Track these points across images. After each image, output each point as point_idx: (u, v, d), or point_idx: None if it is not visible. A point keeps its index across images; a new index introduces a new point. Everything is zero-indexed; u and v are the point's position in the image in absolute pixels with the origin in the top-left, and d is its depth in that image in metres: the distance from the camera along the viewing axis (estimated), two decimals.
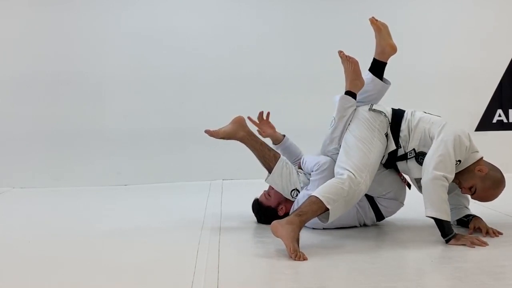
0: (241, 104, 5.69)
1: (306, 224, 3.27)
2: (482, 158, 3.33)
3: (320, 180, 3.41)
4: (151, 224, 3.80)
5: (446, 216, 3.16)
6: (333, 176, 3.31)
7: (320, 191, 3.16)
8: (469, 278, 2.62)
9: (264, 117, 3.89)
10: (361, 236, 3.40)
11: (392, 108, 3.52)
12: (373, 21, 3.50)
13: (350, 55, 3.50)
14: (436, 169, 3.17)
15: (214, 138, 3.74)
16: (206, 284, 2.55)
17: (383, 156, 3.43)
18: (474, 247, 3.09)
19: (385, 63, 3.53)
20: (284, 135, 3.87)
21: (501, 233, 3.36)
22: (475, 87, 5.92)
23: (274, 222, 3.07)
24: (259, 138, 3.71)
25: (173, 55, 5.70)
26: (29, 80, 5.59)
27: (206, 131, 3.70)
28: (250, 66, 5.74)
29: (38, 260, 3.00)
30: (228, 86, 5.74)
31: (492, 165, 3.36)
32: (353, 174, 3.22)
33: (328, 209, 3.11)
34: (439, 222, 3.17)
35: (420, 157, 3.36)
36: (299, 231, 3.05)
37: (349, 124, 3.45)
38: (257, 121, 3.89)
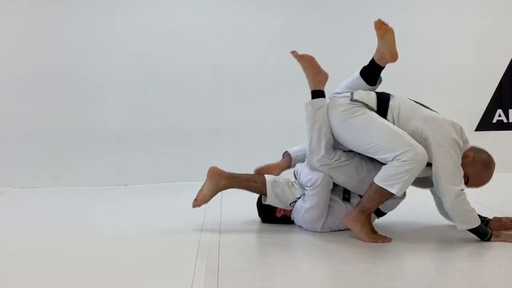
0: (241, 104, 5.71)
1: (302, 226, 3.49)
2: (467, 143, 3.30)
3: (314, 195, 3.41)
4: (151, 224, 3.80)
5: (477, 222, 3.16)
6: (328, 191, 3.39)
7: (388, 183, 3.16)
8: (469, 278, 2.61)
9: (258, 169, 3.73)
10: None
11: (376, 93, 3.39)
12: (378, 26, 3.33)
13: (303, 53, 3.43)
14: (453, 184, 3.13)
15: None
16: (206, 284, 2.55)
17: None
18: None
19: (382, 67, 3.43)
20: (289, 156, 3.75)
21: None
22: (475, 87, 5.92)
23: (345, 218, 3.31)
24: (240, 176, 3.62)
25: (173, 55, 5.69)
26: (29, 80, 5.59)
27: (194, 206, 3.58)
28: (250, 66, 5.74)
29: (37, 260, 3.00)
30: (228, 86, 5.74)
31: (476, 147, 3.32)
32: (405, 154, 3.13)
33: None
34: (475, 230, 3.17)
35: None
36: (368, 223, 3.26)
37: (337, 129, 3.34)
38: (262, 171, 3.72)
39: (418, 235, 3.41)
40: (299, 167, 3.62)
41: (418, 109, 3.34)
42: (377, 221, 3.60)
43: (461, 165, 3.21)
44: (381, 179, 3.18)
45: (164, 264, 2.88)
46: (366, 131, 3.25)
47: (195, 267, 2.79)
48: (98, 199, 4.95)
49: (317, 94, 3.41)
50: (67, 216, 4.24)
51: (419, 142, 3.23)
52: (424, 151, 3.17)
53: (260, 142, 5.63)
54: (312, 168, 3.48)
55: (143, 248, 3.22)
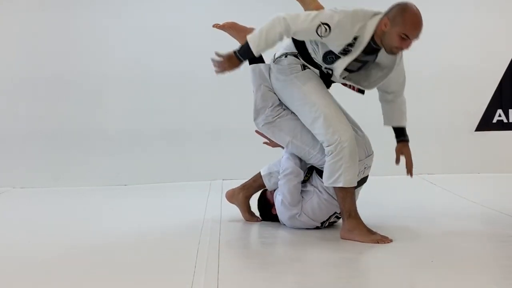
0: (241, 104, 5.69)
1: (286, 224, 3.50)
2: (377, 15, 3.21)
3: (284, 184, 3.45)
4: (150, 224, 3.80)
5: (255, 49, 3.22)
6: (295, 181, 3.41)
7: (332, 180, 3.20)
8: (469, 278, 2.62)
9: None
10: None
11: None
12: None
13: (223, 23, 3.66)
14: (312, 17, 3.19)
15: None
16: (206, 284, 2.55)
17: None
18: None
19: None
20: None
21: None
22: (475, 87, 5.91)
23: (343, 234, 3.25)
24: (248, 182, 3.76)
25: (173, 55, 5.69)
26: (29, 80, 5.59)
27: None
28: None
29: (38, 260, 3.00)
30: (228, 86, 5.73)
31: (382, 12, 3.23)
32: (328, 142, 3.20)
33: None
34: (247, 46, 3.22)
35: (327, 56, 3.24)
36: (363, 225, 3.22)
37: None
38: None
39: (417, 234, 3.41)
40: (285, 152, 3.61)
41: None
42: (376, 223, 3.55)
43: (388, 33, 3.17)
44: (326, 180, 3.25)
45: (164, 264, 2.88)
46: (301, 109, 3.34)
47: (195, 267, 2.79)
48: (98, 199, 4.95)
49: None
50: (67, 216, 4.24)
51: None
52: (351, 136, 3.20)
53: (260, 142, 5.61)
54: (257, 126, 3.56)
55: (143, 248, 3.22)
